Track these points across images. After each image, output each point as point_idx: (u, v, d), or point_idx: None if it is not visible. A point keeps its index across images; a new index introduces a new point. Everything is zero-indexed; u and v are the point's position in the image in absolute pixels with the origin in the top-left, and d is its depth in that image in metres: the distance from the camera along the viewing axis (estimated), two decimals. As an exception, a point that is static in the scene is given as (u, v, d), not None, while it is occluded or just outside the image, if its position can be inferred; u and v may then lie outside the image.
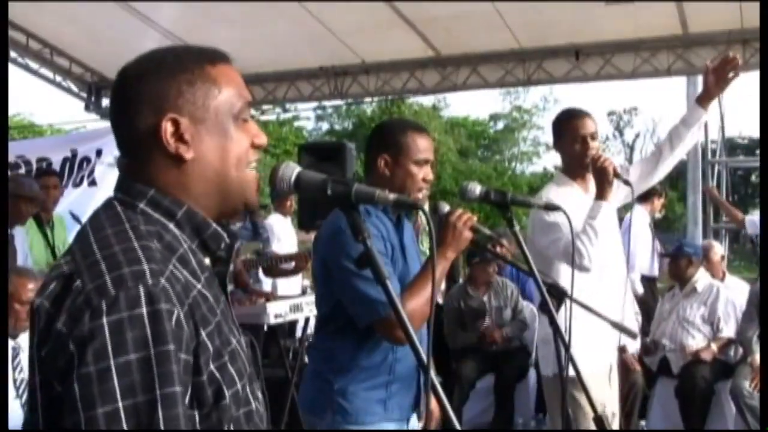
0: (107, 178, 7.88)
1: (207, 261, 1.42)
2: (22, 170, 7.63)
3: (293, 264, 6.41)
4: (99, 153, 8.11)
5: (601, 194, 3.48)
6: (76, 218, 6.19)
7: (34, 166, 7.85)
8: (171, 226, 1.36)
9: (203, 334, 1.26)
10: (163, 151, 1.36)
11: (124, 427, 1.13)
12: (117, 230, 1.30)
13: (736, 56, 3.52)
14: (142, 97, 1.37)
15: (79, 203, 7.30)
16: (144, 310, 1.17)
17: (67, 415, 1.15)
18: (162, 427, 1.15)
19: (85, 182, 8.18)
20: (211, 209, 1.43)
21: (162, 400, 1.15)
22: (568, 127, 3.66)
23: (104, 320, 1.16)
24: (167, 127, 1.35)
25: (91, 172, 8.17)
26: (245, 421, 1.35)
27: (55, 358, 1.18)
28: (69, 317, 1.18)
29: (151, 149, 1.37)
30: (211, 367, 1.26)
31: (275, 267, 6.47)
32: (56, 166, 8.04)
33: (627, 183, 3.56)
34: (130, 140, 1.40)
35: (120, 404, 1.13)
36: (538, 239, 3.51)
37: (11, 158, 7.87)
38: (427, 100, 34.16)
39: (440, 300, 7.14)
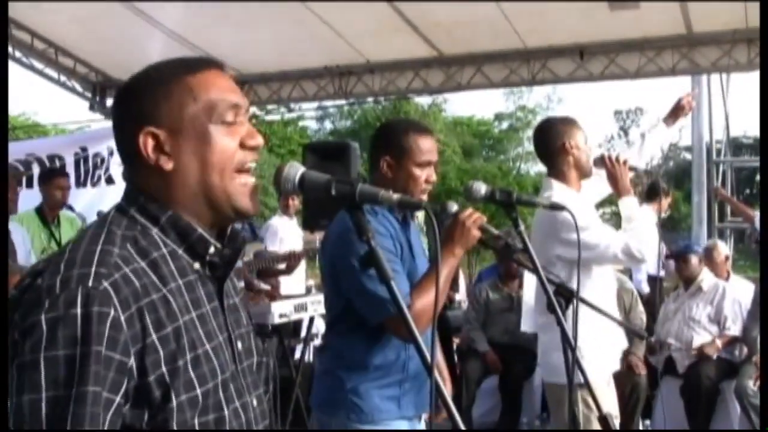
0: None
1: (197, 266, 1.44)
2: (35, 167, 7.66)
3: (284, 265, 6.39)
4: (111, 152, 8.16)
5: (628, 190, 3.61)
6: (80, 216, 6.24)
7: (47, 164, 7.88)
8: (154, 231, 1.41)
9: (154, 336, 1.30)
10: (146, 163, 1.42)
11: (43, 416, 1.20)
12: (93, 233, 1.38)
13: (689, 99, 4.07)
14: (125, 112, 1.46)
15: (98, 201, 7.34)
16: (78, 311, 1.24)
17: (8, 401, 1.23)
18: (69, 424, 1.21)
19: (102, 180, 8.24)
20: (203, 216, 1.45)
21: (75, 397, 1.21)
22: (573, 135, 3.64)
23: (43, 316, 1.23)
24: (147, 141, 1.41)
25: (107, 170, 8.22)
26: (215, 427, 1.37)
27: (10, 348, 1.26)
28: (22, 310, 1.27)
29: (137, 160, 1.43)
30: (163, 369, 1.30)
31: (271, 268, 6.45)
32: (70, 164, 8.10)
33: (647, 172, 3.99)
34: (122, 152, 1.48)
35: (43, 394, 1.21)
36: (570, 242, 3.29)
37: (21, 156, 7.93)
38: (427, 100, 34.07)
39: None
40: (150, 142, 1.41)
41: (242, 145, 1.45)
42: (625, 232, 3.48)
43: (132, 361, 1.27)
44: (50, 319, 1.23)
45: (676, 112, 4.05)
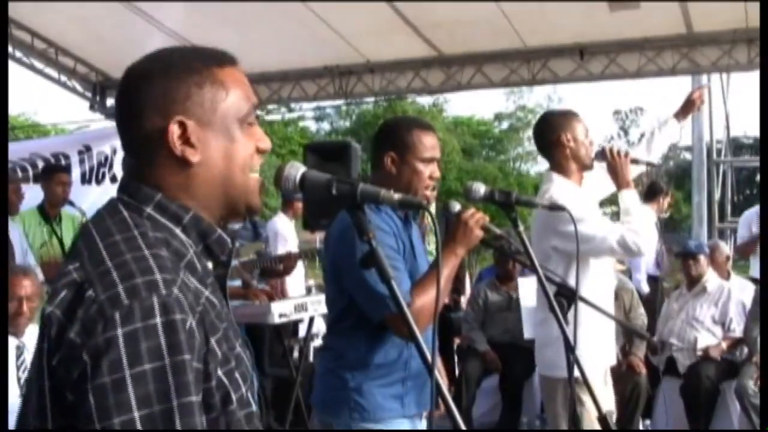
0: None
1: (210, 266, 1.41)
2: (41, 165, 7.66)
3: (282, 266, 6.38)
4: (115, 151, 8.18)
5: (628, 183, 3.61)
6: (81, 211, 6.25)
7: (52, 162, 7.88)
8: (177, 231, 1.35)
9: (212, 340, 1.26)
10: (169, 153, 1.35)
11: None
12: (126, 237, 1.29)
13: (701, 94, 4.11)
14: (148, 98, 1.36)
15: (103, 199, 7.34)
16: (158, 320, 1.17)
17: (82, 426, 1.16)
18: None
19: (107, 179, 8.26)
20: (215, 212, 1.42)
21: (179, 409, 1.16)
22: (570, 127, 3.65)
23: (119, 331, 1.16)
24: (174, 130, 1.34)
25: (111, 167, 8.24)
26: (245, 423, 1.35)
27: (68, 368, 1.18)
28: (82, 327, 1.18)
29: (157, 151, 1.36)
30: (220, 372, 1.27)
31: (272, 268, 6.44)
32: (75, 162, 8.11)
33: (650, 164, 3.93)
34: (136, 141, 1.38)
35: (136, 414, 1.14)
36: (566, 235, 3.29)
37: (26, 155, 7.94)
38: (427, 100, 34.03)
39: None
40: (176, 132, 1.34)
41: (256, 149, 1.44)
42: (622, 225, 3.50)
43: (202, 368, 1.24)
44: (128, 334, 1.16)
45: (688, 107, 4.06)
